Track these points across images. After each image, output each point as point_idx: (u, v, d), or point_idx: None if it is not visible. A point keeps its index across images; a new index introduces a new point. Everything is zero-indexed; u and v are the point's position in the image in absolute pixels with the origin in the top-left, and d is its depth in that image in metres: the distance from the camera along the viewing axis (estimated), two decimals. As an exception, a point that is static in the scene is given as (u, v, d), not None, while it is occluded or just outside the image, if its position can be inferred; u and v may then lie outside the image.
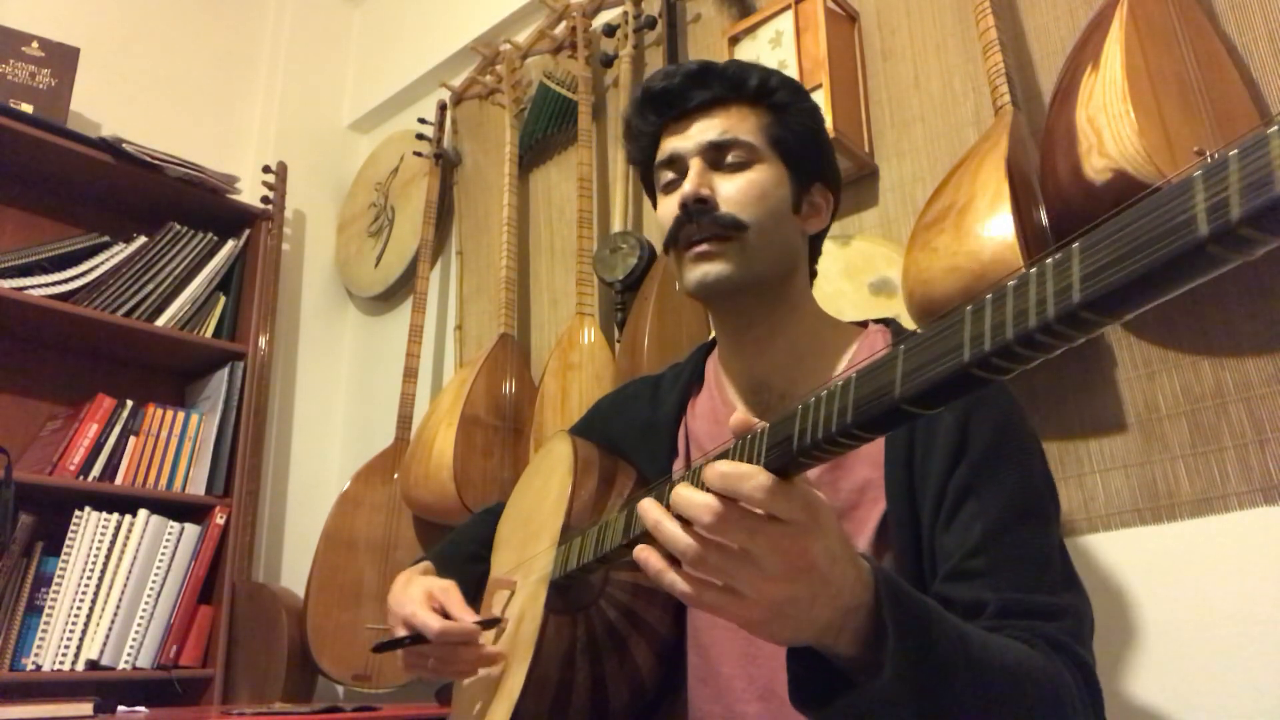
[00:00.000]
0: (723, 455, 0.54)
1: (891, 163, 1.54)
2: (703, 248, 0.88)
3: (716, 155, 0.90)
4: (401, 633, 0.89)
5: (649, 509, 0.57)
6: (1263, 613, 1.07)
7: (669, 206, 0.91)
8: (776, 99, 0.91)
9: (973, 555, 0.75)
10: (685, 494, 0.52)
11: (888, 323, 0.96)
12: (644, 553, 0.58)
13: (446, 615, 0.88)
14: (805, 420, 0.48)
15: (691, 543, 0.53)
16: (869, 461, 0.84)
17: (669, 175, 0.93)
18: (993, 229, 1.14)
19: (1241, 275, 1.17)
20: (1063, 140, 1.15)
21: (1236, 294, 1.17)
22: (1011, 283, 0.38)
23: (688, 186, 0.88)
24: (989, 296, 0.38)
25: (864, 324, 0.97)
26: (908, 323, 1.30)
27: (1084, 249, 0.35)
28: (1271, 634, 1.06)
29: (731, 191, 0.88)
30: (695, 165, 0.89)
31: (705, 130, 0.90)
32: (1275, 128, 0.29)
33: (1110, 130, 1.08)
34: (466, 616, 0.87)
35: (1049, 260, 0.36)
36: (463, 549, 1.10)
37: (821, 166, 0.95)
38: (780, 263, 0.91)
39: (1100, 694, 0.73)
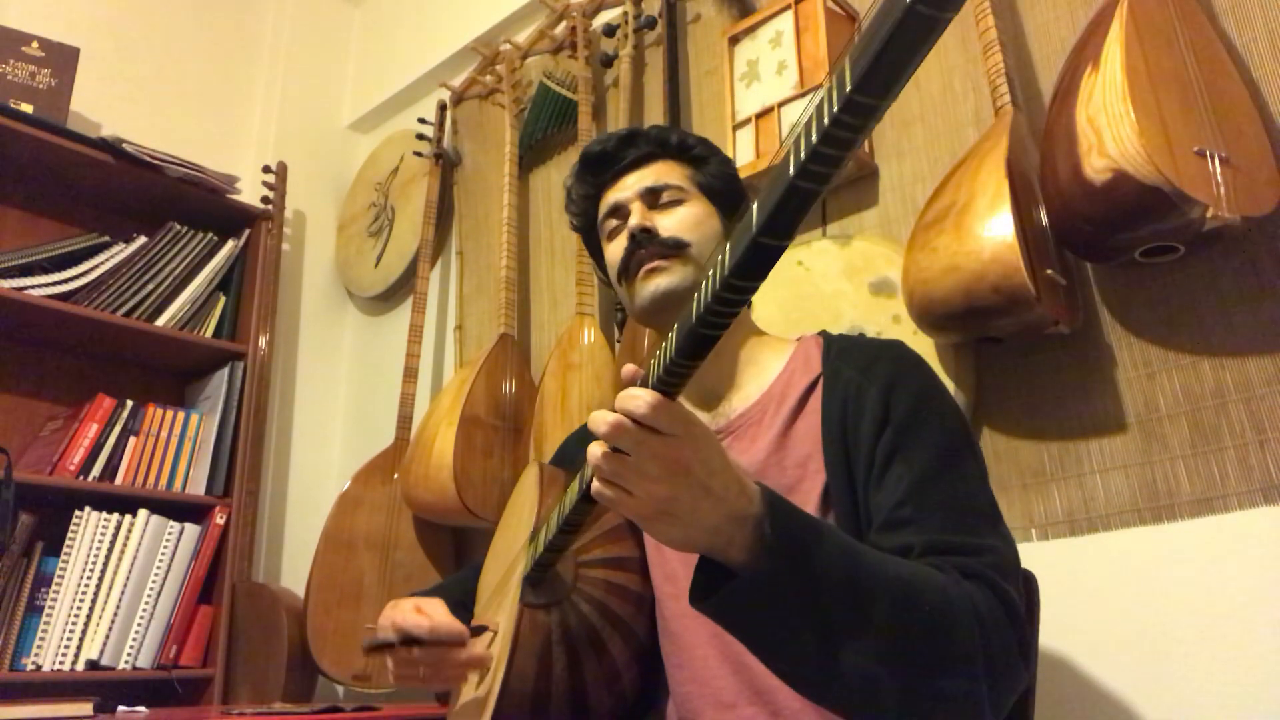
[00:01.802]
0: (645, 373, 0.64)
1: (891, 163, 1.54)
2: (652, 264, 0.99)
3: (653, 198, 1.03)
4: (393, 637, 0.92)
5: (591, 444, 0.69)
6: (1263, 612, 1.07)
7: (616, 249, 1.03)
8: (695, 153, 1.07)
9: (899, 507, 0.82)
10: (595, 415, 0.65)
11: (821, 334, 1.03)
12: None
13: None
14: (699, 296, 0.56)
15: (597, 452, 0.65)
16: (809, 440, 0.92)
17: (613, 223, 1.05)
18: (993, 229, 1.14)
19: (1241, 275, 1.17)
20: (1063, 140, 1.15)
21: (1236, 294, 1.17)
22: (812, 107, 0.44)
23: (634, 220, 1.01)
24: (802, 122, 0.44)
25: (799, 339, 1.05)
26: (906, 323, 1.30)
27: (850, 54, 0.42)
28: (1272, 634, 1.06)
29: (670, 222, 1.01)
30: (636, 206, 1.03)
31: (640, 180, 1.04)
32: None
33: (1110, 130, 1.08)
34: (455, 623, 0.91)
35: (832, 76, 0.43)
36: (449, 595, 1.13)
37: (741, 207, 1.07)
38: None
39: (1021, 623, 0.76)
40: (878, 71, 0.40)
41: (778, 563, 0.66)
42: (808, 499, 0.89)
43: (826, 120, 0.42)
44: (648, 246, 0.99)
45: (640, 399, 0.62)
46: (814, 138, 0.43)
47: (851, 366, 0.93)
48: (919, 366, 0.93)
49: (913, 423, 0.87)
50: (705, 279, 0.54)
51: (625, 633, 0.94)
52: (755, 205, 0.49)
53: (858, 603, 0.67)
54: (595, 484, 0.67)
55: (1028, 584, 0.98)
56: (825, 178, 0.45)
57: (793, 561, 0.66)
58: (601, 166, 1.07)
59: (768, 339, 1.05)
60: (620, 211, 1.05)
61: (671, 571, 0.95)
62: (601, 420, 0.63)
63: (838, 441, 0.89)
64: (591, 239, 1.12)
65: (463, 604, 1.12)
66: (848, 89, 0.41)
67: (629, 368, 0.67)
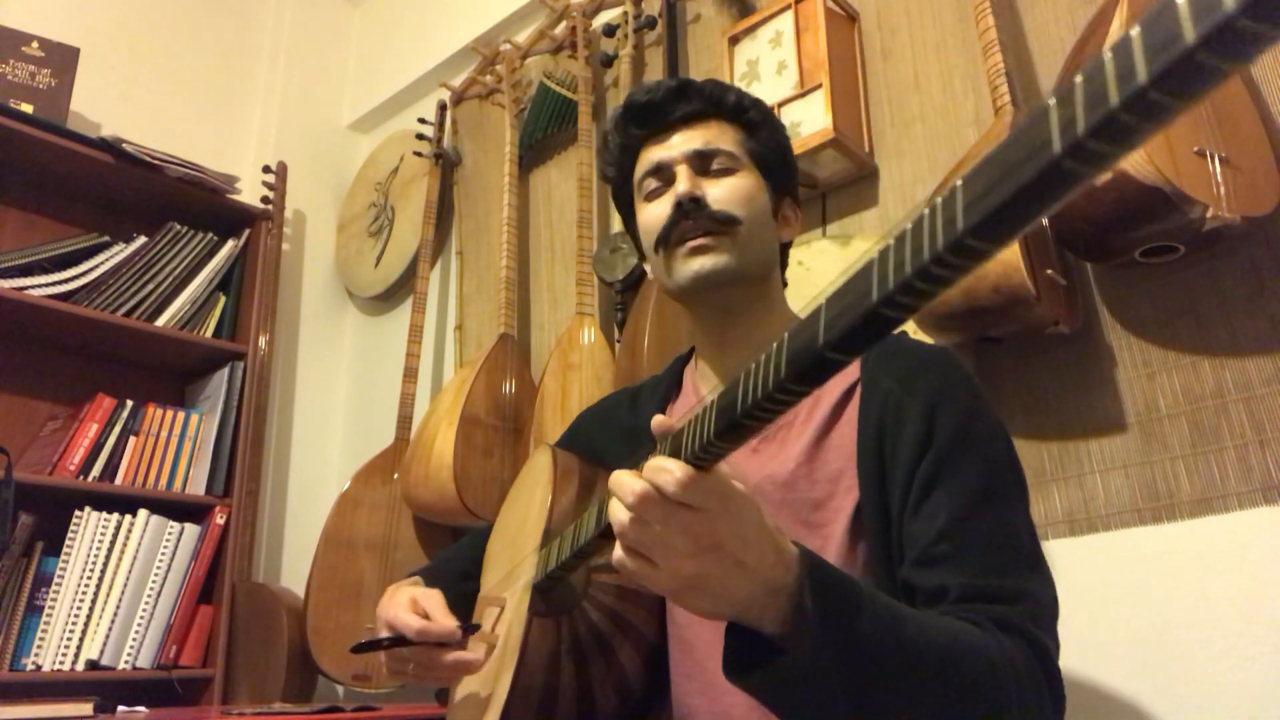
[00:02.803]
0: (678, 436, 0.58)
1: (891, 163, 1.54)
2: (698, 241, 0.91)
3: (702, 163, 0.94)
4: (384, 634, 0.90)
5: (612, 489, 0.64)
6: (1263, 612, 1.07)
7: (655, 212, 0.95)
8: (750, 117, 0.97)
9: (937, 542, 0.77)
10: (619, 477, 0.60)
11: None
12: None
13: (428, 620, 0.89)
14: (747, 383, 0.50)
15: (622, 518, 0.59)
16: (843, 453, 0.87)
17: (653, 184, 0.97)
18: (993, 229, 1.14)
19: (1241, 275, 1.17)
20: (1063, 140, 1.15)
21: (1236, 294, 1.17)
22: (909, 223, 0.40)
23: (682, 187, 0.92)
24: (892, 238, 0.40)
25: None
26: (906, 323, 1.30)
27: (965, 182, 0.37)
28: (1272, 634, 1.06)
29: (721, 192, 0.93)
30: (684, 170, 0.94)
31: (689, 140, 0.95)
32: (1109, 54, 0.30)
33: (1110, 130, 1.08)
34: (448, 621, 0.88)
35: (939, 198, 0.38)
36: (453, 566, 1.11)
37: (791, 181, 1.02)
38: (765, 261, 0.96)
39: (1058, 676, 0.74)
40: (1001, 219, 0.35)
41: (819, 640, 0.60)
42: (838, 516, 0.85)
43: (926, 255, 0.37)
44: (695, 218, 0.91)
45: (670, 474, 0.56)
46: (907, 268, 0.38)
47: (892, 377, 0.86)
48: (966, 381, 0.87)
49: (957, 447, 0.81)
50: (755, 367, 0.50)
51: (635, 638, 0.91)
52: (823, 311, 0.44)
53: (900, 676, 0.63)
54: (618, 553, 0.62)
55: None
56: (911, 309, 0.41)
57: (835, 637, 0.61)
58: (647, 119, 0.98)
59: None
60: (664, 172, 0.96)
61: None
62: (628, 489, 0.58)
63: (873, 458, 0.84)
64: (623, 195, 1.04)
65: (468, 575, 1.09)
66: (959, 228, 0.36)
67: (659, 420, 0.61)
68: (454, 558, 1.14)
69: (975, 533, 0.77)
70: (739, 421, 0.51)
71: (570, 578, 0.87)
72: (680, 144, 0.95)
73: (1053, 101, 0.32)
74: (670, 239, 0.93)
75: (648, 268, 1.02)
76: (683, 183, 0.92)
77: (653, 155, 0.97)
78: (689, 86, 0.97)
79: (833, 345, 0.44)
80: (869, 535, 0.82)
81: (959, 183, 0.37)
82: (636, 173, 0.99)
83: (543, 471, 0.99)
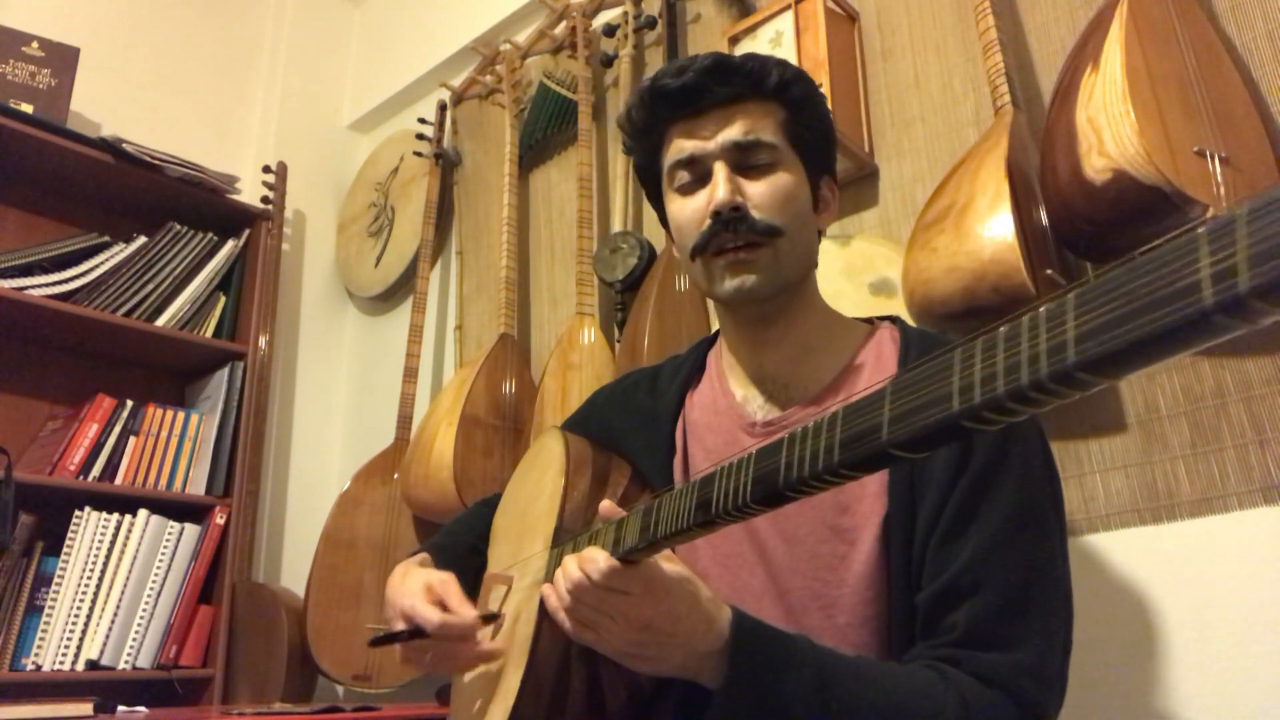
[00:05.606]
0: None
1: (891, 163, 1.54)
2: (739, 255, 0.87)
3: (740, 156, 0.88)
4: (400, 626, 0.88)
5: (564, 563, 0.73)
6: (1263, 612, 1.07)
7: (689, 211, 0.90)
8: (793, 94, 0.89)
9: (961, 574, 0.76)
10: (566, 564, 0.70)
11: (894, 320, 0.96)
12: (547, 589, 0.75)
13: (445, 609, 0.87)
14: (791, 453, 0.48)
15: (564, 595, 0.70)
16: None
17: (686, 176, 0.90)
18: (993, 229, 1.14)
19: (1241, 275, 1.17)
20: (1063, 140, 1.15)
21: (1236, 294, 1.17)
22: (1003, 329, 0.37)
23: (722, 195, 0.86)
24: (979, 343, 0.38)
25: (870, 321, 0.97)
26: (909, 322, 1.30)
27: (1079, 304, 0.33)
28: (1272, 634, 1.06)
29: (762, 196, 0.87)
30: (722, 170, 0.87)
31: (727, 130, 0.88)
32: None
33: (1110, 130, 1.08)
34: (466, 611, 0.86)
35: (1042, 310, 0.35)
36: (460, 540, 1.09)
37: (830, 159, 0.96)
38: (805, 263, 0.92)
39: None
40: (1123, 358, 0.32)
41: (740, 698, 0.70)
42: (867, 523, 0.83)
43: (1025, 379, 0.35)
44: (737, 229, 0.85)
45: (595, 563, 0.66)
46: (1000, 386, 0.36)
47: None
48: None
49: (993, 472, 0.78)
50: (805, 434, 0.47)
51: None
52: (890, 407, 0.42)
53: None
54: (569, 624, 0.72)
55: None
56: (995, 423, 0.38)
57: (754, 695, 0.70)
58: (678, 104, 0.89)
59: (838, 322, 0.96)
60: (697, 165, 0.89)
61: (704, 571, 0.90)
62: (568, 577, 0.68)
63: (904, 469, 0.81)
64: (649, 174, 0.97)
65: (475, 549, 1.08)
66: (1069, 360, 0.33)
67: (606, 505, 0.69)
68: (459, 531, 1.12)
69: (999, 570, 0.76)
70: (781, 494, 0.50)
71: None
72: (716, 133, 0.88)
73: (1203, 233, 0.29)
74: (708, 249, 0.88)
75: (676, 253, 0.98)
76: (721, 188, 0.86)
77: (685, 145, 0.89)
78: (725, 66, 0.87)
79: (899, 444, 0.42)
80: (894, 549, 0.81)
81: (1070, 300, 0.33)
82: (665, 158, 0.92)
83: (554, 458, 0.97)
